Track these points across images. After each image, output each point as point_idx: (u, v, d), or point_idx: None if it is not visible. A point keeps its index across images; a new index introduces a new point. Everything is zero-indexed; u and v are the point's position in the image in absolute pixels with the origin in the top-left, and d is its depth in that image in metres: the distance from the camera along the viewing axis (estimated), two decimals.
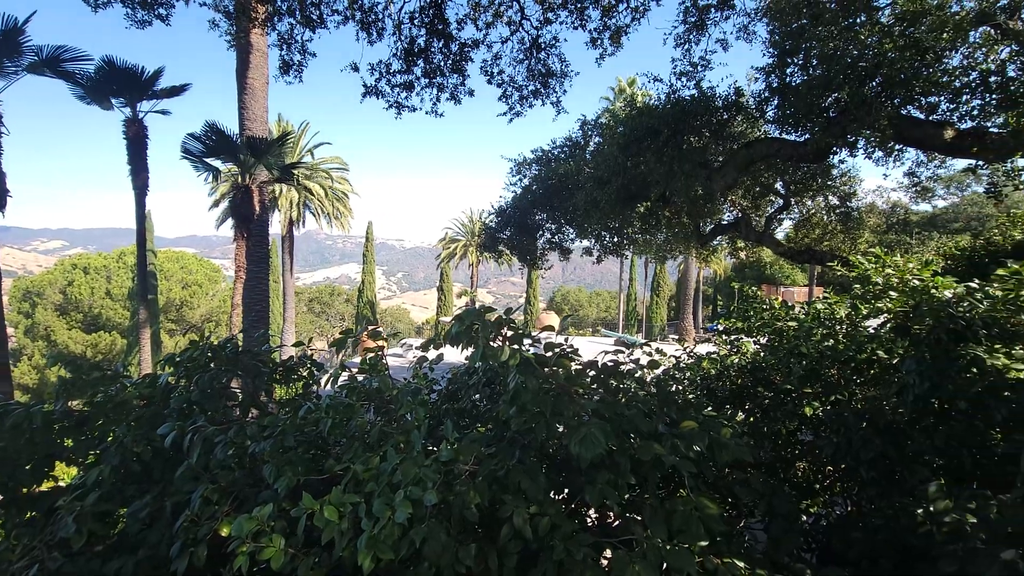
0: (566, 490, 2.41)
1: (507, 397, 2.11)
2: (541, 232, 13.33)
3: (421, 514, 1.70)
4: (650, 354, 3.23)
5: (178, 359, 2.79)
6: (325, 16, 9.38)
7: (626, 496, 2.27)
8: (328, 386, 2.69)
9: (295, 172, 8.94)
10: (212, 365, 2.81)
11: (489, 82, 9.49)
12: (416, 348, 2.66)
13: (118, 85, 7.11)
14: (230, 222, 28.01)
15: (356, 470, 1.90)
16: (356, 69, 9.24)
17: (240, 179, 7.25)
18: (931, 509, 2.04)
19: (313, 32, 9.44)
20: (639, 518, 2.09)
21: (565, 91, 9.42)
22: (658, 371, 2.90)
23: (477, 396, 3.13)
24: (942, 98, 6.37)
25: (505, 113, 9.47)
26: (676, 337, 31.98)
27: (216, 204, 27.94)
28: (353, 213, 31.60)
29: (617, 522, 2.36)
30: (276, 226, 28.01)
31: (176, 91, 8.00)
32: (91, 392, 2.77)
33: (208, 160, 7.65)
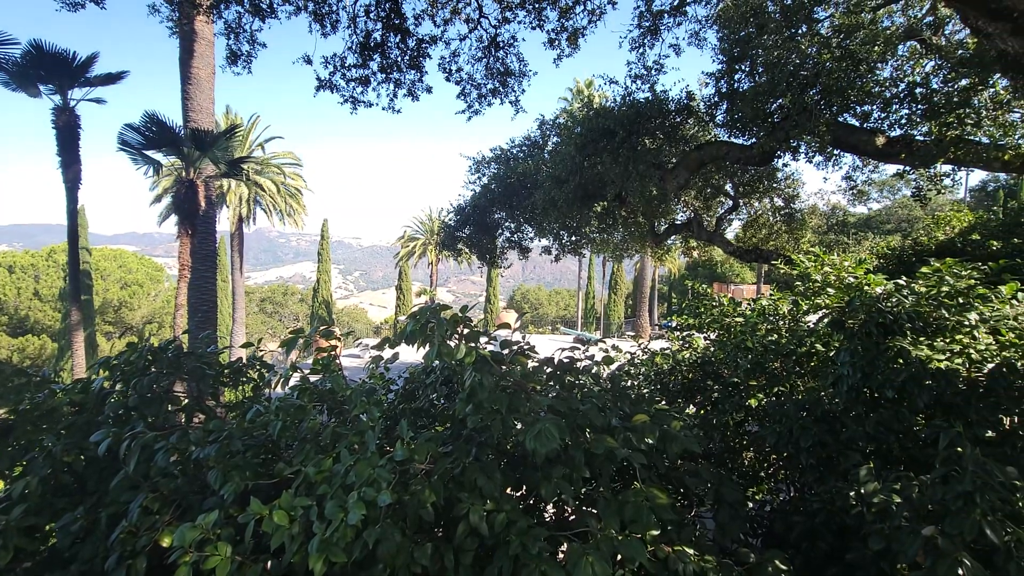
0: (523, 487, 2.43)
1: (463, 395, 2.10)
2: (500, 231, 13.35)
3: (375, 515, 1.68)
4: (605, 351, 3.30)
5: (114, 362, 2.64)
6: (276, 5, 9.06)
7: (582, 490, 2.32)
8: (279, 388, 2.60)
9: (244, 167, 8.58)
10: (152, 368, 2.67)
11: (447, 79, 9.43)
12: (372, 348, 2.62)
13: (47, 71, 6.58)
14: (173, 218, 26.65)
15: (308, 473, 1.85)
16: (309, 62, 8.98)
17: (184, 173, 6.87)
18: (862, 491, 2.18)
19: (263, 21, 9.09)
20: (594, 511, 2.14)
21: (524, 90, 9.48)
22: (613, 367, 2.96)
23: (435, 395, 3.11)
24: (874, 107, 6.80)
25: (464, 111, 9.44)
26: (632, 334, 32.78)
27: (158, 199, 26.50)
28: (307, 210, 30.67)
29: (573, 516, 2.40)
30: (225, 223, 26.85)
31: (112, 79, 7.48)
32: (15, 399, 2.58)
33: (148, 153, 7.22)
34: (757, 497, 3.58)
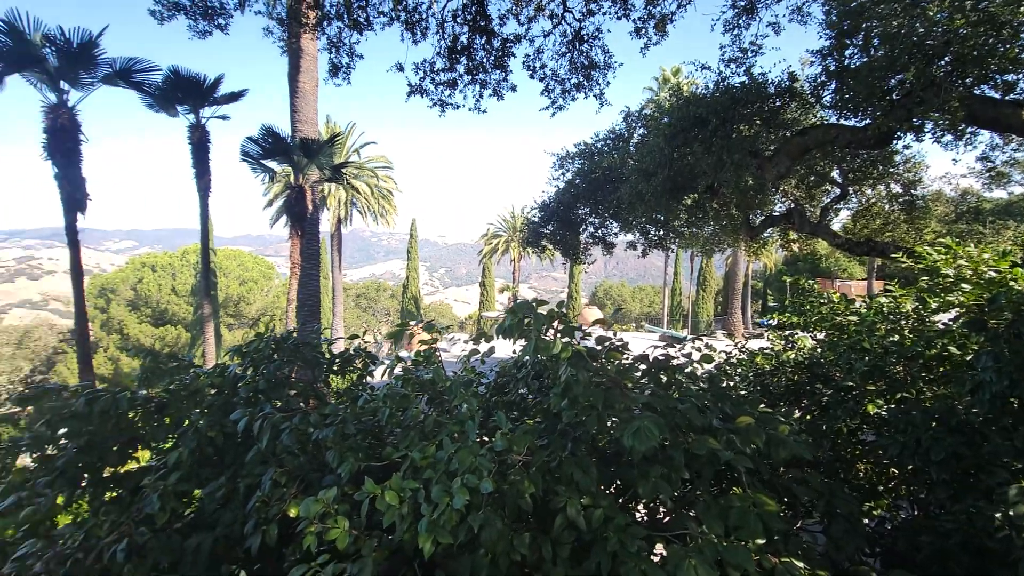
0: (616, 483, 2.41)
1: (558, 390, 2.13)
2: (584, 226, 13.23)
3: (478, 501, 1.76)
4: (699, 349, 3.16)
5: (244, 350, 2.97)
6: (372, 18, 9.63)
7: (679, 491, 2.25)
8: (384, 376, 2.79)
9: (344, 171, 9.26)
10: (275, 356, 2.97)
11: (531, 76, 9.50)
12: (465, 341, 2.71)
13: (183, 93, 7.59)
14: (283, 221, 29.26)
15: (414, 457, 1.97)
16: (401, 69, 9.45)
17: (294, 179, 7.57)
18: (1011, 513, 1.92)
19: (360, 34, 9.71)
20: (692, 513, 2.07)
21: (608, 83, 9.32)
22: (709, 366, 2.85)
23: (525, 390, 3.16)
24: (1020, 76, 5.89)
25: (548, 107, 9.46)
26: (724, 333, 31.06)
27: (270, 204, 29.22)
28: (397, 210, 32.31)
29: (668, 517, 2.35)
30: (325, 224, 29.08)
31: (234, 97, 8.45)
32: (168, 380, 2.98)
33: (264, 162, 8.05)
34: (875, 512, 3.26)
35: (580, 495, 1.92)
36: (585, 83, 9.34)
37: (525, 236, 14.69)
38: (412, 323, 2.53)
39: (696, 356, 2.71)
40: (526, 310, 2.05)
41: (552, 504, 1.90)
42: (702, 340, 3.17)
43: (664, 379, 2.53)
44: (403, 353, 3.24)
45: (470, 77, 9.70)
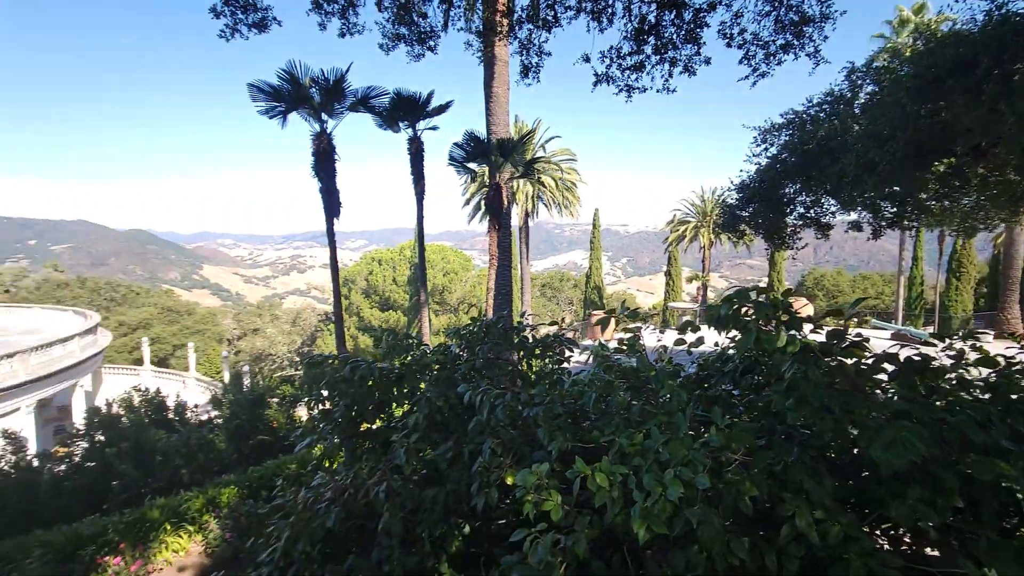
0: (851, 500, 2.09)
1: (780, 388, 1.93)
2: (792, 207, 11.65)
3: (692, 496, 1.70)
4: (965, 350, 2.51)
5: (462, 332, 3.36)
6: (559, 14, 9.87)
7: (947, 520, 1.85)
8: (583, 361, 2.88)
9: (534, 167, 9.78)
10: (487, 338, 3.30)
11: (728, 45, 8.71)
12: (651, 332, 2.62)
13: (403, 111, 8.91)
14: (479, 217, 32.12)
15: (622, 443, 1.99)
16: (587, 60, 9.50)
17: (490, 178, 8.28)
18: None
19: (549, 32, 10.02)
20: (964, 550, 1.68)
21: (826, 37, 8.03)
22: (989, 371, 2.25)
23: (730, 385, 2.94)
24: None
25: (747, 76, 8.56)
26: (993, 333, 24.24)
27: (467, 202, 32.31)
28: (581, 201, 32.77)
29: (914, 547, 1.95)
30: (514, 218, 31.06)
31: (442, 109, 9.60)
32: (403, 356, 3.52)
33: (467, 164, 8.96)
34: None
35: (811, 506, 1.71)
36: (795, 42, 8.21)
37: (718, 221, 13.53)
38: (616, 312, 2.55)
39: (970, 356, 2.17)
40: (744, 298, 1.90)
41: (777, 511, 1.73)
42: (966, 340, 2.51)
43: (920, 385, 2.09)
44: (587, 341, 3.28)
45: (658, 57, 9.30)
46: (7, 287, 59.23)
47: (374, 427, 3.48)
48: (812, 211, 11.45)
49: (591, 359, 2.67)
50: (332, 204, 7.07)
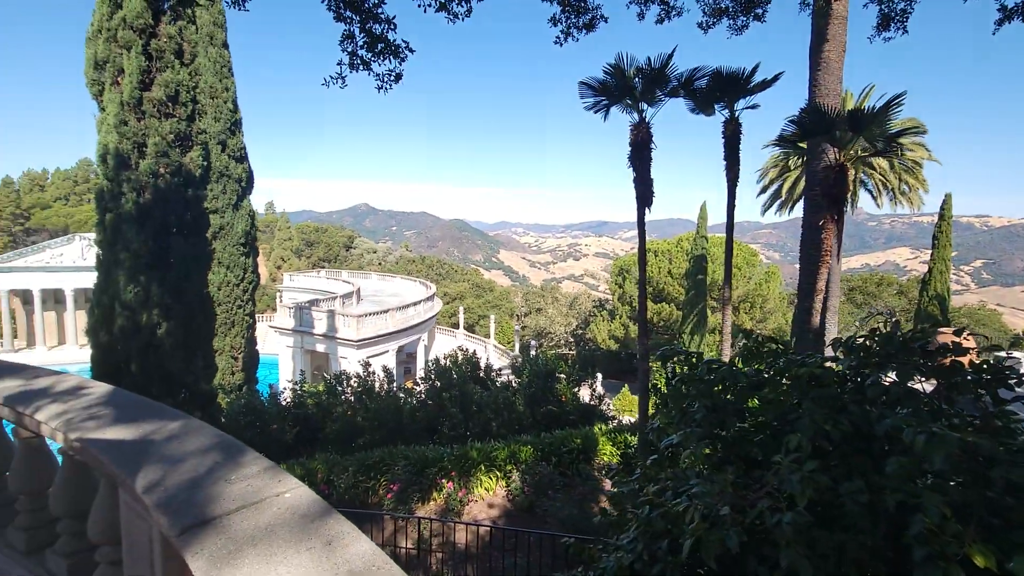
0: None
1: None
2: None
3: None
4: None
5: (854, 344, 2.73)
6: None
7: None
8: None
9: (896, 143, 7.71)
10: (894, 356, 2.59)
11: None
12: None
13: (721, 91, 8.18)
14: (775, 207, 28.23)
15: None
16: None
17: (834, 157, 6.86)
18: None
19: None
20: None
21: None
22: None
23: None
24: None
25: None
26: None
27: (764, 190, 28.75)
28: (927, 185, 25.42)
29: None
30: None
31: (766, 84, 8.42)
32: (768, 363, 3.09)
33: (800, 143, 7.67)
34: None
35: None
36: None
37: None
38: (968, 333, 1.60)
39: None
40: None
41: None
42: None
43: None
44: None
45: None
46: (380, 260, 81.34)
47: (726, 434, 3.18)
48: None
49: None
50: (646, 194, 7.00)
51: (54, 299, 42.30)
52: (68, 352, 39.79)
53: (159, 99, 6.78)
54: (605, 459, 11.63)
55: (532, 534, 8.02)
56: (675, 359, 3.33)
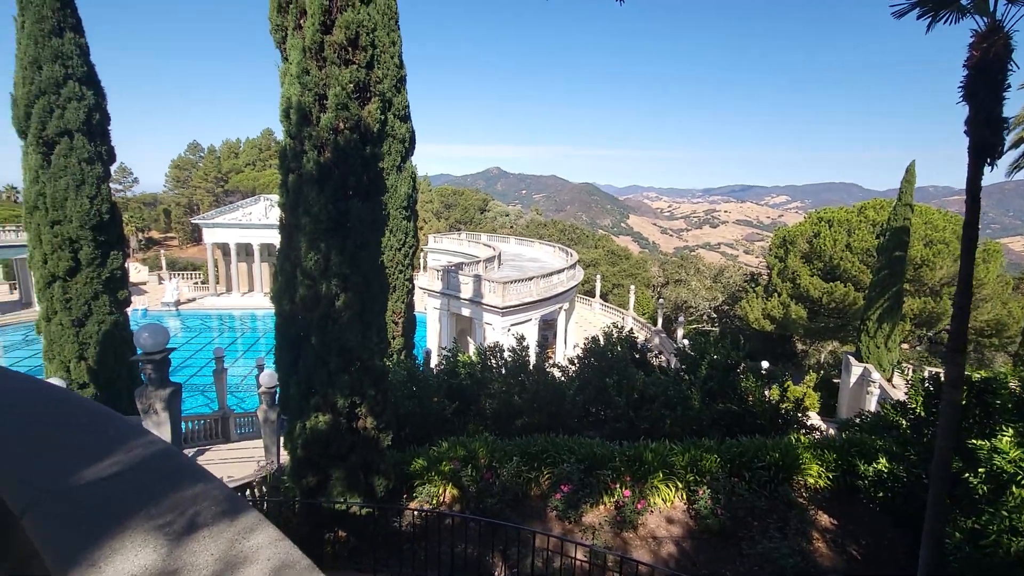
0: None
1: None
2: None
3: None
4: None
5: None
6: None
7: None
8: None
9: None
10: None
11: None
12: None
13: None
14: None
15: None
16: None
17: None
18: None
19: None
20: None
21: None
22: None
23: None
24: None
25: None
26: None
27: (1015, 145, 22.10)
28: None
29: None
30: None
31: None
32: None
33: None
34: None
35: None
36: None
37: None
38: None
39: None
40: None
41: None
42: None
43: None
44: None
45: None
46: (512, 223, 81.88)
47: None
48: None
49: None
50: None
51: (245, 252, 49.03)
52: (256, 298, 46.06)
53: (340, 42, 5.82)
54: (810, 481, 9.42)
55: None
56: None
